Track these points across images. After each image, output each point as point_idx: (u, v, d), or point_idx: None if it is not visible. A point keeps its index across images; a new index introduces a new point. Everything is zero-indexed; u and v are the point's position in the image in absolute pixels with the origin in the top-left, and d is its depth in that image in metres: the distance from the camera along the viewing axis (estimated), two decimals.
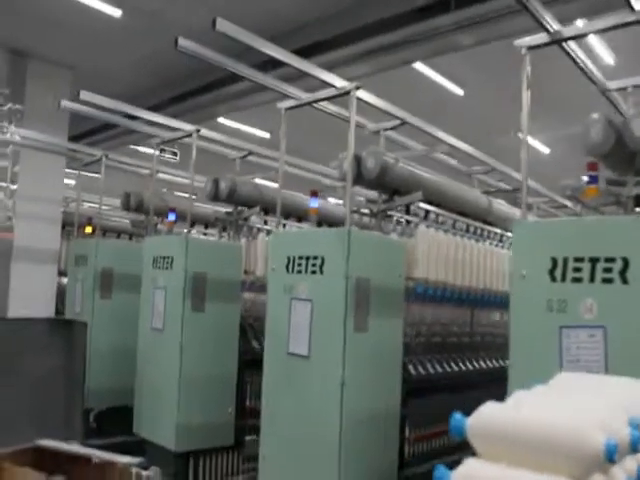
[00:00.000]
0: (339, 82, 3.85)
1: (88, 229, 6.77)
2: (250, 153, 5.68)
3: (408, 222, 4.55)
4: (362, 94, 3.89)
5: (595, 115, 3.19)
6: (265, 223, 5.78)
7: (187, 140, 5.34)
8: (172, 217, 5.25)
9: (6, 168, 7.33)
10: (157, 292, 5.07)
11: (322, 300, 3.71)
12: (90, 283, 6.18)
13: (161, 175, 7.17)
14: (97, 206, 8.97)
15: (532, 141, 10.77)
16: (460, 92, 7.94)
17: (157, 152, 6.24)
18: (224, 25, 3.25)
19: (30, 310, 7.16)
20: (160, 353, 5.00)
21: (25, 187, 7.39)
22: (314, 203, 4.09)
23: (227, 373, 5.13)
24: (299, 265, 3.86)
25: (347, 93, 3.81)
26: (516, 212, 5.89)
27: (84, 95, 4.56)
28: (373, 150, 4.19)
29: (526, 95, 3.09)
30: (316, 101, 4.14)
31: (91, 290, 6.17)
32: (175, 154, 8.90)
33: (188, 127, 5.09)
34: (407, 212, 4.60)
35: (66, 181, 8.45)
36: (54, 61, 7.61)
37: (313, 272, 3.77)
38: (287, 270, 3.92)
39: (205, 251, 5.01)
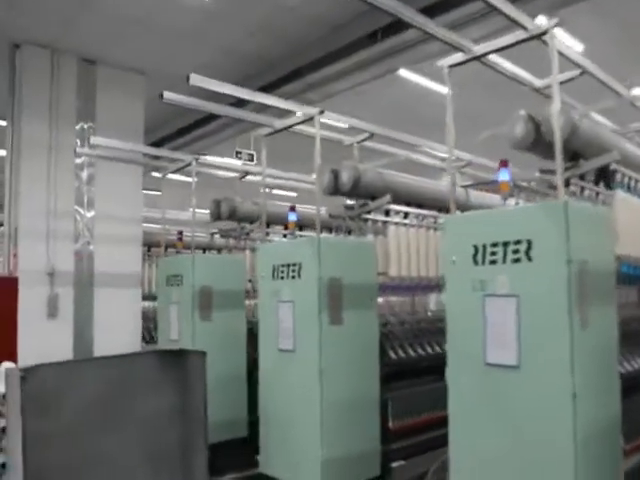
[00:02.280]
0: (530, 23, 3.06)
1: (179, 244, 6.11)
2: (371, 135, 4.91)
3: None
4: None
5: None
6: (387, 214, 5.00)
7: (297, 128, 4.62)
8: (293, 217, 4.52)
9: (82, 192, 6.74)
10: (283, 307, 4.32)
11: (532, 295, 2.90)
12: (188, 304, 5.48)
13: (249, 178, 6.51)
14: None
15: None
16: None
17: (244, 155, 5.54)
18: None
19: (116, 338, 6.55)
20: (292, 378, 4.23)
21: (103, 209, 6.78)
22: (504, 175, 3.26)
23: (369, 392, 4.37)
24: (493, 254, 3.05)
25: (542, 34, 3.03)
26: None
27: (194, 79, 3.86)
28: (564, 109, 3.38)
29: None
30: (494, 51, 3.36)
31: (190, 312, 5.46)
32: (252, 157, 8.24)
33: (310, 110, 4.34)
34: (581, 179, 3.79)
35: None
36: (125, 67, 7.02)
37: (516, 260, 2.96)
38: (475, 262, 3.13)
39: (339, 253, 4.24)
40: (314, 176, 5.55)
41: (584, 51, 7.09)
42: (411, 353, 4.81)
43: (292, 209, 4.57)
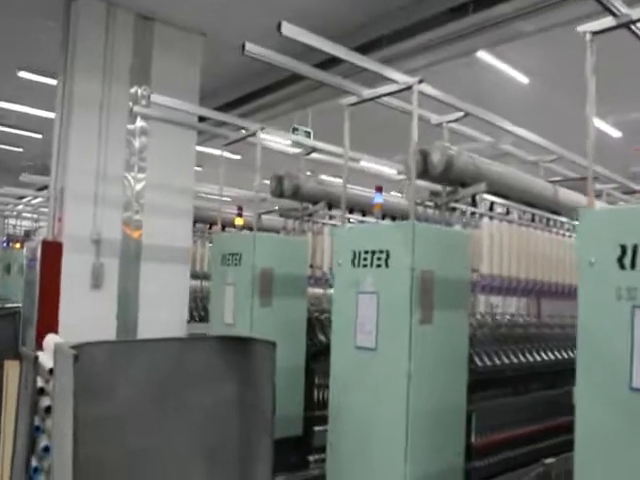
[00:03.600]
0: None
1: (239, 221, 5.69)
2: (466, 115, 4.43)
3: None
4: None
5: None
6: (473, 203, 4.52)
7: (389, 101, 4.16)
8: (379, 199, 4.07)
9: (133, 157, 6.35)
10: (364, 298, 3.88)
11: None
12: (247, 287, 5.07)
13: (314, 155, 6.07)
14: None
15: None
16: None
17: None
18: None
19: (162, 315, 6.22)
20: (372, 380, 3.79)
21: (153, 177, 6.39)
22: None
23: (457, 402, 3.92)
24: None
25: None
26: None
27: (286, 29, 3.41)
28: None
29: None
30: None
31: (249, 296, 5.05)
32: (309, 135, 7.81)
33: (406, 78, 3.87)
34: None
35: None
36: (184, 26, 6.58)
37: None
38: (621, 266, 2.66)
39: (433, 242, 3.78)
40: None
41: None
42: (496, 361, 4.37)
43: (378, 190, 4.11)
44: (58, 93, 6.29)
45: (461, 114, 4.42)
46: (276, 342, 3.69)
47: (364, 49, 6.29)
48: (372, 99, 4.13)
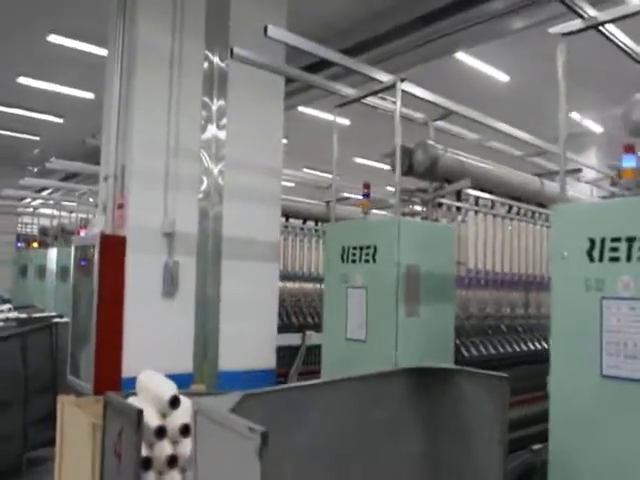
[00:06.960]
0: None
1: (365, 204, 4.60)
2: None
3: None
4: None
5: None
6: None
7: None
8: (630, 162, 2.97)
9: (210, 130, 5.27)
10: (616, 306, 2.80)
11: None
12: (388, 291, 4.00)
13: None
14: None
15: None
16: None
17: None
18: None
19: (248, 327, 5.16)
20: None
21: (235, 153, 5.29)
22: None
23: None
24: None
25: None
26: None
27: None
28: None
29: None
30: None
31: (391, 303, 3.98)
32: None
33: None
34: None
35: None
36: None
37: None
38: None
39: None
40: None
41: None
42: None
43: (629, 150, 2.99)
44: (113, 51, 5.17)
45: None
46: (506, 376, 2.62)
47: None
48: (612, 21, 3.03)
